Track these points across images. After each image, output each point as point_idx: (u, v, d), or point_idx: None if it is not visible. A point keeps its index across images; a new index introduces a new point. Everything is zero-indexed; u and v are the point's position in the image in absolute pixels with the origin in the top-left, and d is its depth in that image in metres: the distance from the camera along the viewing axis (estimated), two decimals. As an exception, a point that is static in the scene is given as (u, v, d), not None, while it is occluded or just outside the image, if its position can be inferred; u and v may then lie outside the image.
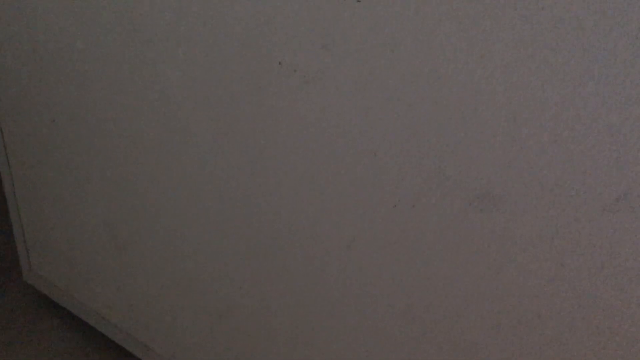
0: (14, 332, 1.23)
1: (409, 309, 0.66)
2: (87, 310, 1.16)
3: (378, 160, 0.61)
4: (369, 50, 0.56)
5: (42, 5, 0.86)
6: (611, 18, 0.44)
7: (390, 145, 0.59)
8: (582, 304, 0.54)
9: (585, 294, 0.54)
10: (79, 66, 0.86)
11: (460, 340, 0.64)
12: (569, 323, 0.56)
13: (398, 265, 0.65)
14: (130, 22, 0.75)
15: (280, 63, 0.63)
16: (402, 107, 0.57)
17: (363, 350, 0.73)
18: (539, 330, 0.58)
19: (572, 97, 0.47)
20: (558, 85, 0.48)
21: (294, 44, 0.61)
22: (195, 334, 0.96)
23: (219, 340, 0.93)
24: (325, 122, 0.63)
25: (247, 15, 0.63)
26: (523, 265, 0.56)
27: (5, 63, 0.99)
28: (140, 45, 0.76)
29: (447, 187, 0.57)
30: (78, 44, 0.84)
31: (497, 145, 0.53)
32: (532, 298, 0.57)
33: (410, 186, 0.60)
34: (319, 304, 0.75)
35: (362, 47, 0.57)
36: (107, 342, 1.18)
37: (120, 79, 0.81)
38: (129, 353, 1.12)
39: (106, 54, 0.81)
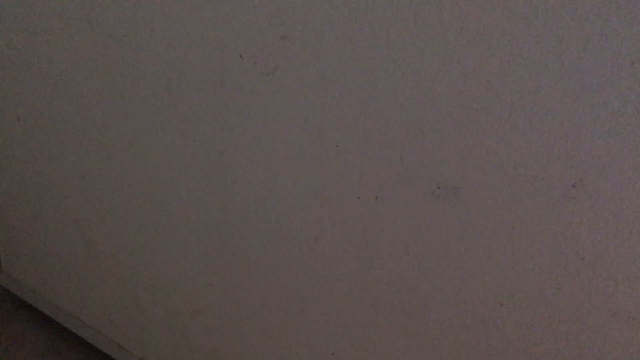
0: (-15, 335, 1.22)
1: (376, 300, 0.66)
2: (59, 310, 1.15)
3: (340, 152, 0.60)
4: (328, 41, 0.56)
5: (1, 3, 0.85)
6: (559, 11, 0.44)
7: (352, 137, 0.59)
8: (542, 291, 0.55)
9: (546, 281, 0.54)
10: (43, 63, 0.85)
11: (425, 331, 0.64)
12: (530, 311, 0.56)
13: (364, 256, 0.65)
14: (89, 17, 0.74)
15: (241, 56, 0.62)
16: (363, 99, 0.57)
17: (332, 343, 0.73)
18: (502, 319, 0.58)
19: (527, 87, 0.48)
20: (513, 76, 0.48)
21: (254, 36, 0.60)
22: (167, 332, 0.95)
23: (191, 339, 0.92)
24: (287, 114, 0.62)
25: (206, 7, 0.63)
26: (485, 254, 0.56)
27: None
28: (101, 41, 0.74)
29: (408, 178, 0.57)
30: (41, 41, 0.83)
31: (455, 135, 0.53)
32: (494, 287, 0.57)
33: (373, 177, 0.60)
34: (288, 299, 0.75)
35: (322, 38, 0.56)
36: (80, 342, 1.17)
37: (83, 75, 0.80)
38: (102, 352, 1.11)
39: (68, 50, 0.80)
